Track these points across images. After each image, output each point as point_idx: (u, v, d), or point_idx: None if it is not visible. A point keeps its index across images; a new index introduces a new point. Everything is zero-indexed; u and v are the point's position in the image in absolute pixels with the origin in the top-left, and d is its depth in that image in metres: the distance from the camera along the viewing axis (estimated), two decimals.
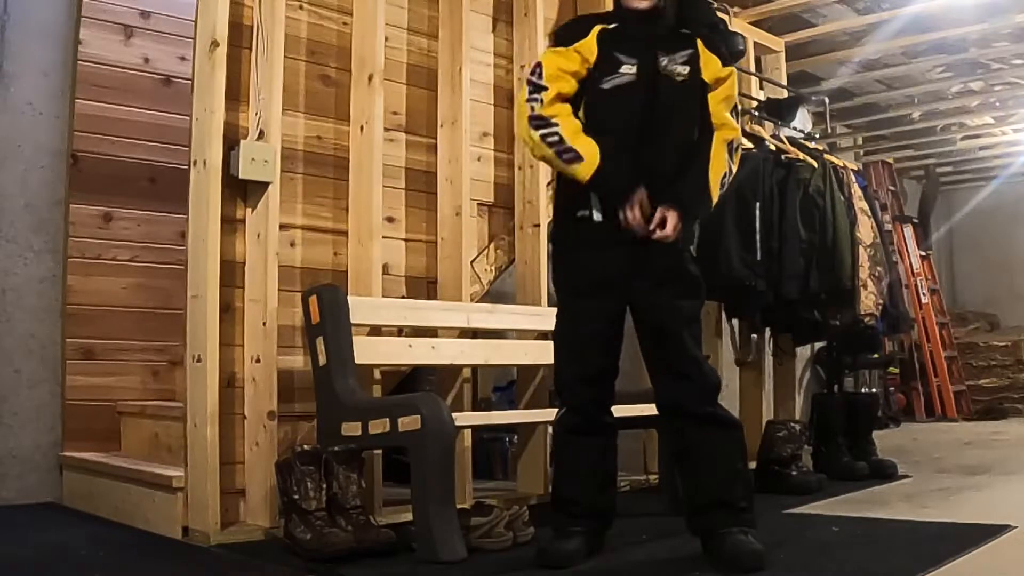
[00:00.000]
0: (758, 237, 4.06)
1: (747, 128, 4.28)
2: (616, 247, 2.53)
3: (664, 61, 2.55)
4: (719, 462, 2.53)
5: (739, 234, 4.05)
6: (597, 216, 2.55)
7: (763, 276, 4.05)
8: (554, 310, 3.71)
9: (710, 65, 2.59)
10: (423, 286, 3.64)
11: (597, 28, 2.61)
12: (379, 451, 3.17)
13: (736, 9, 4.87)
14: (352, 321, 3.03)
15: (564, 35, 2.68)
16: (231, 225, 3.07)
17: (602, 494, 2.64)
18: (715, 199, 2.58)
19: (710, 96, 2.59)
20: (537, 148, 2.55)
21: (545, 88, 2.54)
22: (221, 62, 2.98)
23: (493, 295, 3.94)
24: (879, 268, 4.28)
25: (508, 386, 4.57)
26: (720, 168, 2.57)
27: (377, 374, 3.30)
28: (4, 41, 3.65)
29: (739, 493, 2.51)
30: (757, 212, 4.09)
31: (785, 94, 5.06)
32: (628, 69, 2.54)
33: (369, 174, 3.36)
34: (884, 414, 7.26)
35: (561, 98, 2.55)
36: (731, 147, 2.60)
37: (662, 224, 2.47)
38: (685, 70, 2.56)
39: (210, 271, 2.93)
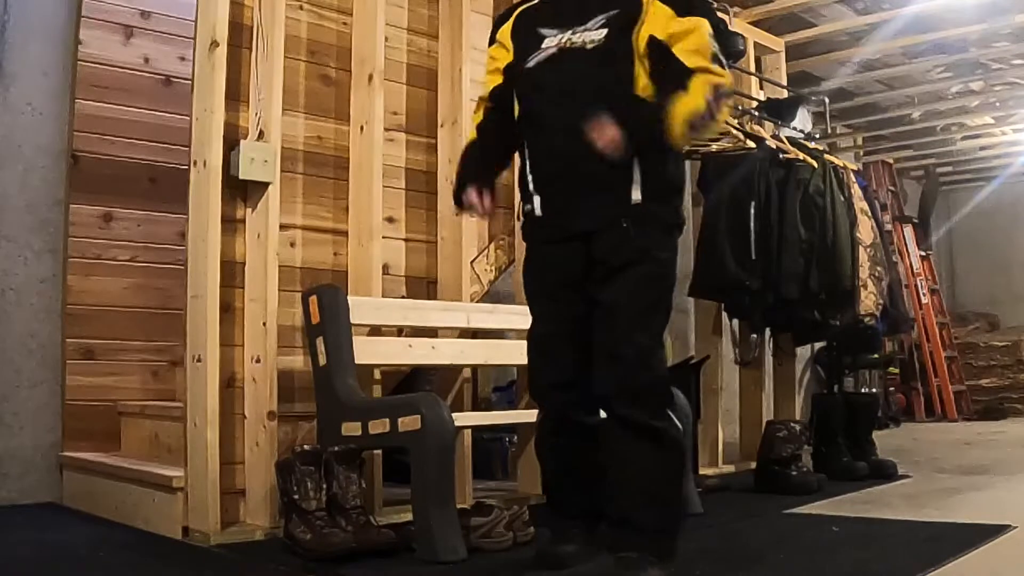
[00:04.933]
0: (753, 237, 4.07)
1: (747, 128, 4.28)
2: (565, 242, 2.32)
3: (571, 33, 2.29)
4: (634, 477, 2.23)
5: (733, 234, 4.06)
6: (537, 210, 2.36)
7: (758, 276, 4.05)
8: None
9: (657, 19, 2.22)
10: (423, 286, 3.64)
11: (517, 10, 2.46)
12: (379, 451, 3.17)
13: (736, 9, 4.87)
14: (352, 321, 3.03)
15: (492, 31, 2.55)
16: (231, 225, 3.07)
17: (586, 493, 2.48)
18: (680, 129, 2.13)
19: (674, 50, 2.20)
20: None
21: (483, 96, 2.51)
22: (221, 62, 2.98)
23: (493, 295, 3.94)
24: (879, 268, 4.28)
25: (508, 386, 4.57)
26: (692, 103, 2.12)
27: (377, 374, 3.30)
28: (4, 41, 3.65)
29: (650, 518, 2.21)
30: (752, 212, 4.09)
31: (785, 94, 5.06)
32: (551, 43, 2.32)
33: (369, 174, 3.36)
34: (884, 414, 7.26)
35: (491, 98, 2.50)
36: (718, 91, 2.14)
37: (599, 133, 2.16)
38: (599, 35, 2.25)
39: (210, 271, 2.93)
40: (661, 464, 2.22)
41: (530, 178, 2.36)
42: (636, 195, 2.23)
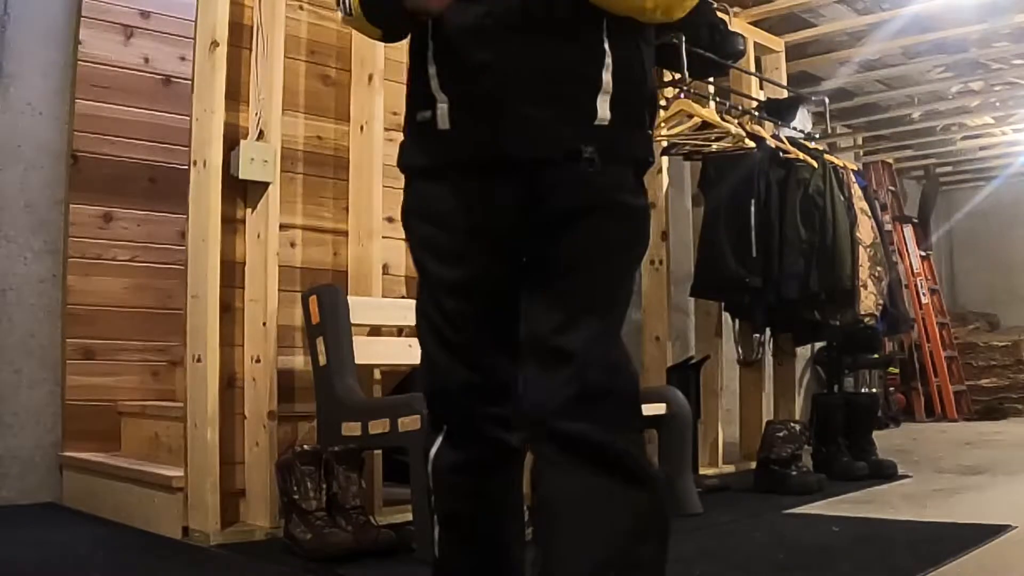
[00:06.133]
0: (753, 235, 4.07)
1: (747, 128, 4.28)
2: (486, 171, 1.47)
3: None
4: (587, 527, 1.38)
5: (734, 233, 4.06)
6: (443, 121, 1.48)
7: (759, 274, 4.06)
8: None
9: None
10: None
11: None
12: (379, 451, 3.17)
13: (736, 9, 4.87)
14: (352, 321, 3.03)
15: None
16: (231, 225, 3.07)
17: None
18: None
19: None
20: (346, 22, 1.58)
21: None
22: (221, 62, 2.98)
23: None
24: (879, 268, 4.28)
25: None
26: None
27: (377, 374, 3.30)
28: (4, 41, 3.65)
29: None
30: (752, 210, 4.09)
31: (785, 94, 5.06)
32: None
33: (369, 174, 3.36)
34: (884, 414, 7.26)
35: None
36: None
37: None
38: None
39: (210, 271, 2.93)
40: (630, 508, 1.37)
41: (432, 71, 1.49)
42: (604, 111, 1.46)
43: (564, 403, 1.40)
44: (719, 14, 4.24)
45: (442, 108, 1.48)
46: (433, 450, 1.60)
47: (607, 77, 1.46)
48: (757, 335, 4.66)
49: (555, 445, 1.40)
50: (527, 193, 1.48)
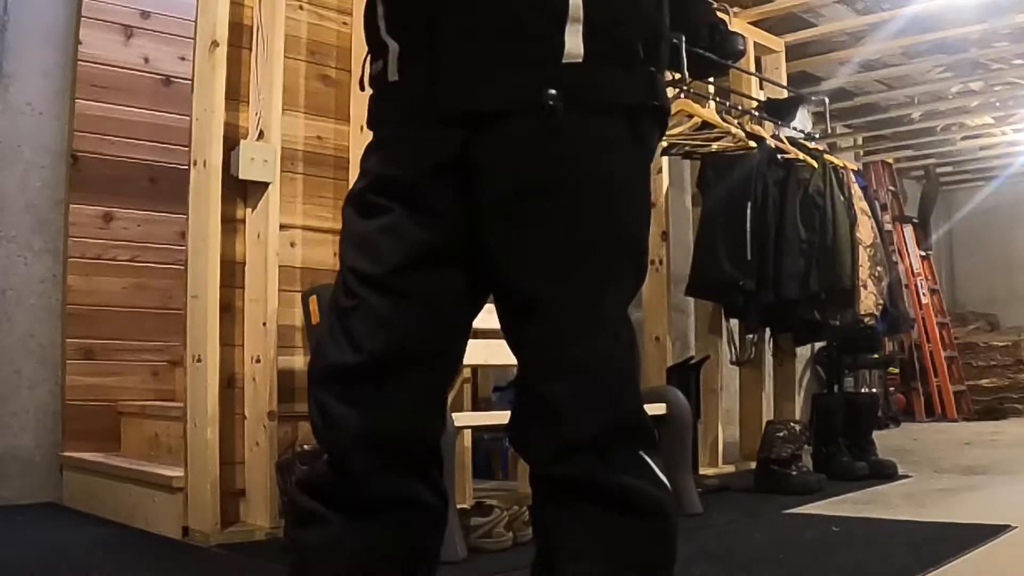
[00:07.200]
0: (748, 237, 4.07)
1: (747, 128, 4.28)
2: (432, 133, 1.19)
3: None
4: (591, 568, 1.17)
5: (729, 235, 4.06)
6: (392, 71, 1.23)
7: (753, 276, 4.06)
8: None
9: None
10: None
11: None
12: None
13: (736, 9, 4.87)
14: None
15: None
16: (231, 225, 3.07)
17: None
18: None
19: None
20: None
21: None
22: (221, 62, 2.98)
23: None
24: (879, 268, 4.28)
25: (508, 386, 4.57)
26: None
27: None
28: (4, 41, 3.65)
29: None
30: (748, 212, 4.09)
31: (785, 94, 5.06)
32: None
33: None
34: (884, 414, 7.26)
35: None
36: None
37: None
38: None
39: (210, 271, 2.93)
40: (631, 542, 1.18)
41: (381, 12, 1.24)
42: (575, 44, 1.14)
43: (554, 454, 1.19)
44: (719, 14, 4.24)
45: (392, 56, 1.22)
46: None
47: (575, 0, 1.13)
48: (750, 336, 4.66)
49: (545, 485, 1.23)
50: (466, 164, 1.17)
